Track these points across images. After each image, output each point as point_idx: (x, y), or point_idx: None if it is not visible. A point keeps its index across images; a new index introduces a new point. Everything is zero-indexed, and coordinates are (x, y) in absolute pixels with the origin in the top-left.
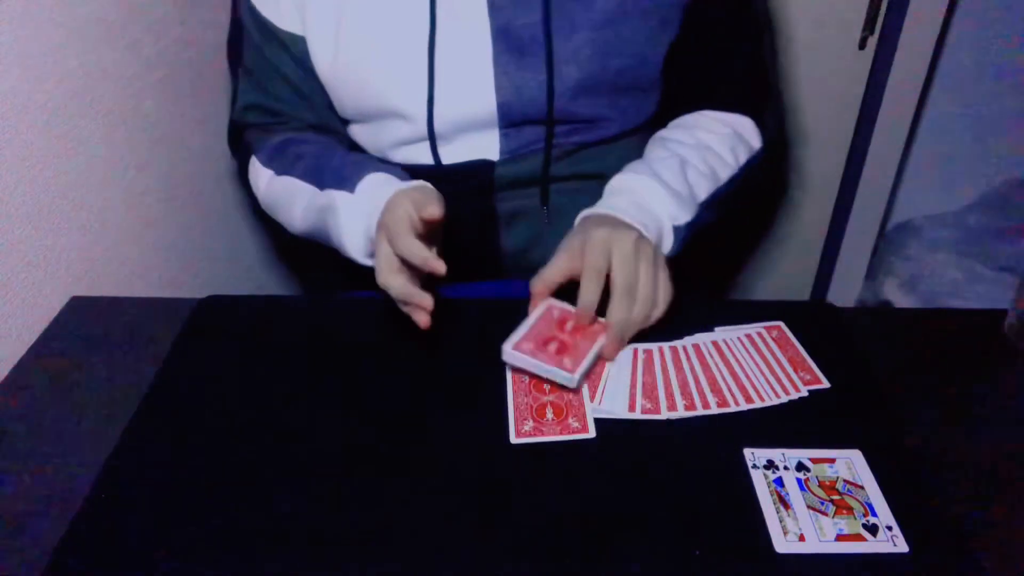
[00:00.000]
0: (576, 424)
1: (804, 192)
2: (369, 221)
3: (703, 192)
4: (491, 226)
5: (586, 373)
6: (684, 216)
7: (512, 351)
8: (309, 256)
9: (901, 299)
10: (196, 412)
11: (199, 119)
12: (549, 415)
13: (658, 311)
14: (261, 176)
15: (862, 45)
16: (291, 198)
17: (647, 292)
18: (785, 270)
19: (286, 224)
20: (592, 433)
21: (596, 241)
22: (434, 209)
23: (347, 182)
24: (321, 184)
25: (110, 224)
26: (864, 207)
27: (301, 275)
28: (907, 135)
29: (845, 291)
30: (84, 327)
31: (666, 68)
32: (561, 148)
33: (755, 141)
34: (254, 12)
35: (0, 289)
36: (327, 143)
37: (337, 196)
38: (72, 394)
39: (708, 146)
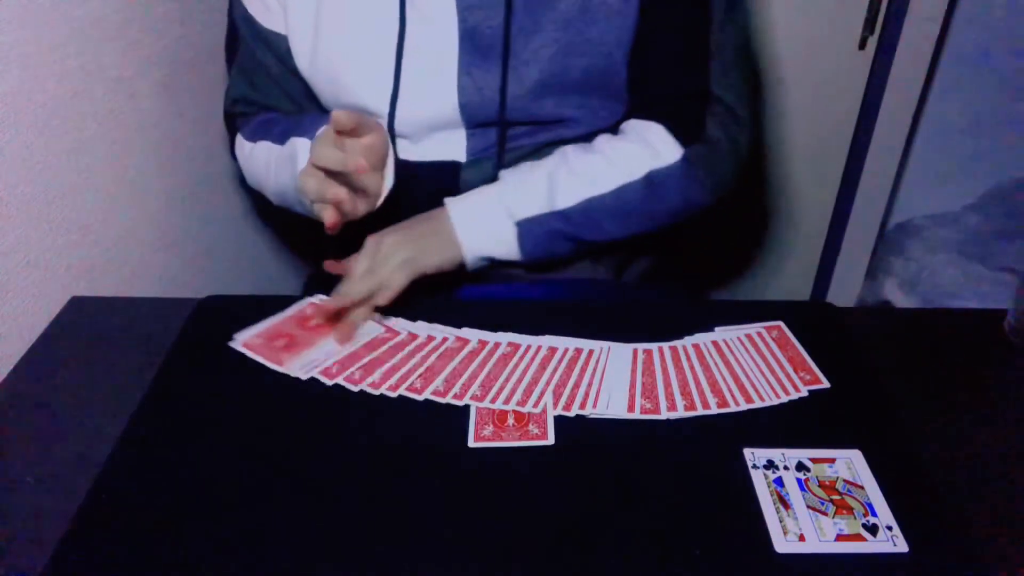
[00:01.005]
0: (536, 430)
1: (804, 192)
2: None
3: (572, 195)
4: None
5: (319, 364)
6: (527, 211)
7: (240, 344)
8: (310, 256)
9: (901, 299)
10: (196, 412)
11: (199, 119)
12: (510, 420)
13: (381, 298)
14: (244, 150)
15: (862, 45)
16: (266, 160)
17: (370, 280)
18: (785, 270)
19: (266, 191)
20: (551, 440)
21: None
22: (340, 115)
23: (308, 131)
24: (286, 140)
25: (110, 224)
26: (864, 207)
27: (301, 275)
28: (907, 135)
29: (845, 291)
30: (84, 327)
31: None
32: (521, 149)
33: (668, 151)
34: (243, 10)
35: (0, 289)
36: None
37: (298, 143)
38: (72, 394)
39: (599, 150)
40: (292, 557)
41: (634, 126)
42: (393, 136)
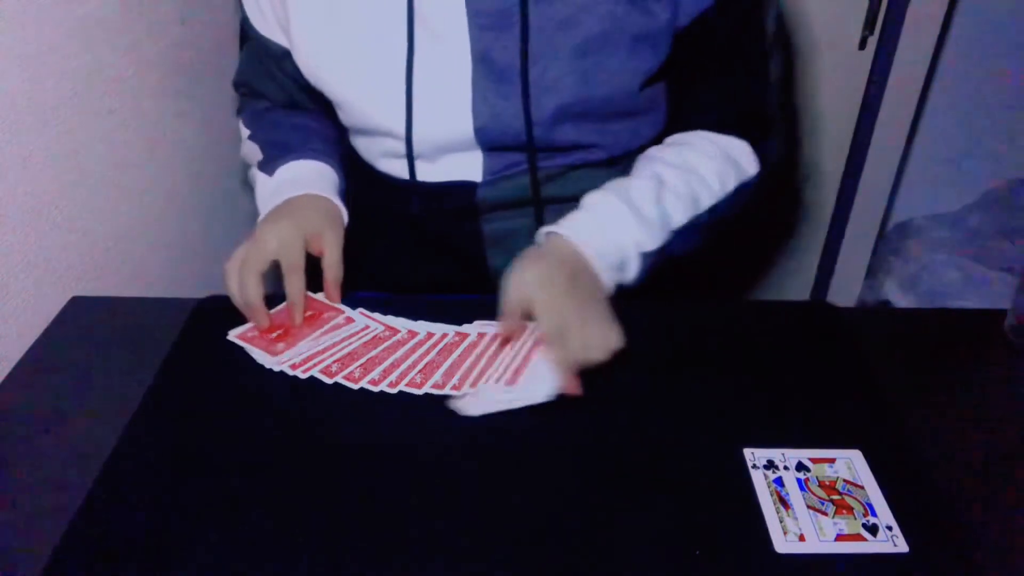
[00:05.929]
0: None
1: (804, 192)
2: (267, 208)
3: (679, 217)
4: (477, 247)
5: (311, 356)
6: (652, 243)
7: (236, 336)
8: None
9: (901, 299)
10: (196, 412)
11: (199, 119)
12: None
13: (595, 352)
14: (243, 135)
15: (862, 45)
16: (252, 164)
17: (578, 337)
18: (785, 270)
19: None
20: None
21: (516, 288)
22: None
23: (269, 164)
24: (272, 163)
25: (110, 224)
26: (864, 207)
27: None
28: (907, 135)
29: (845, 291)
30: (84, 327)
31: (668, 89)
32: (546, 171)
33: (750, 166)
34: (244, 16)
35: (0, 289)
36: (300, 114)
37: (258, 176)
38: (72, 394)
39: (694, 169)
40: (292, 555)
41: (713, 140)
42: (411, 157)
